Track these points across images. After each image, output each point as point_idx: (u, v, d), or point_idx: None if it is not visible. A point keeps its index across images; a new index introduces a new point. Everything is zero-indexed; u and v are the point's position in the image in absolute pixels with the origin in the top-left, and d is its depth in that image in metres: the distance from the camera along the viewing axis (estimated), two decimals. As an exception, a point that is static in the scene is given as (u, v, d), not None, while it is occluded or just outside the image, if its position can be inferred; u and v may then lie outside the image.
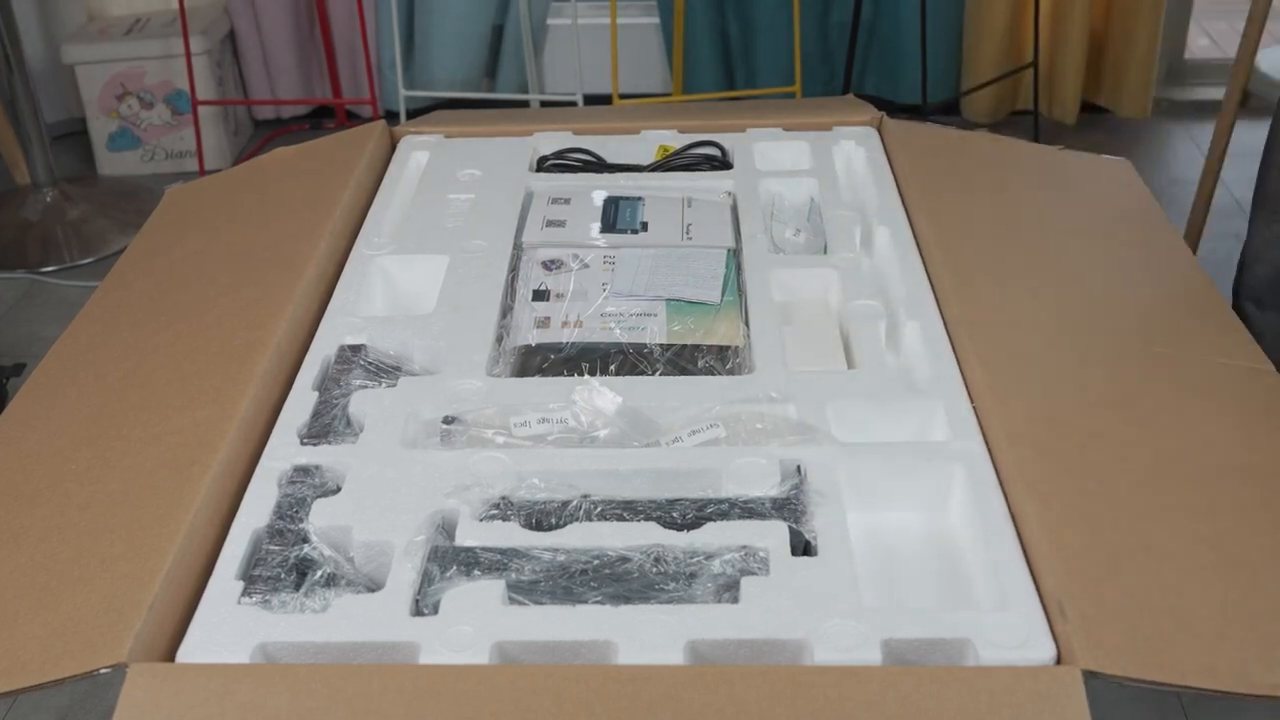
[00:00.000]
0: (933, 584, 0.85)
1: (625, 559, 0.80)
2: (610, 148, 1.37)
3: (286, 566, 0.81)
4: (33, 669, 0.74)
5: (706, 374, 1.00)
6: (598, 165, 1.35)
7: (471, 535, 0.83)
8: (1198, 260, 1.18)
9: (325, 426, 0.94)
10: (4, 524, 0.86)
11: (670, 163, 1.34)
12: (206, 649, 0.75)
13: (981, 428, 0.91)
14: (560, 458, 0.89)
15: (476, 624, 0.75)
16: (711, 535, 0.82)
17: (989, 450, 0.89)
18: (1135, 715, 1.51)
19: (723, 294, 1.09)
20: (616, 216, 1.22)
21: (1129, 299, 1.11)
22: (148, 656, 0.74)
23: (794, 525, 0.82)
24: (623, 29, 2.81)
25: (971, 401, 0.94)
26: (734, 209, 1.25)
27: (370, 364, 1.01)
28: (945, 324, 1.04)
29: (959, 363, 0.98)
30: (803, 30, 2.78)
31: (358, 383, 0.99)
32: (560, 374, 1.01)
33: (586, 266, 1.14)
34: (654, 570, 0.79)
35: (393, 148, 1.40)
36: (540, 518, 0.85)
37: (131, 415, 0.96)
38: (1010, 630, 0.74)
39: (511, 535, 0.83)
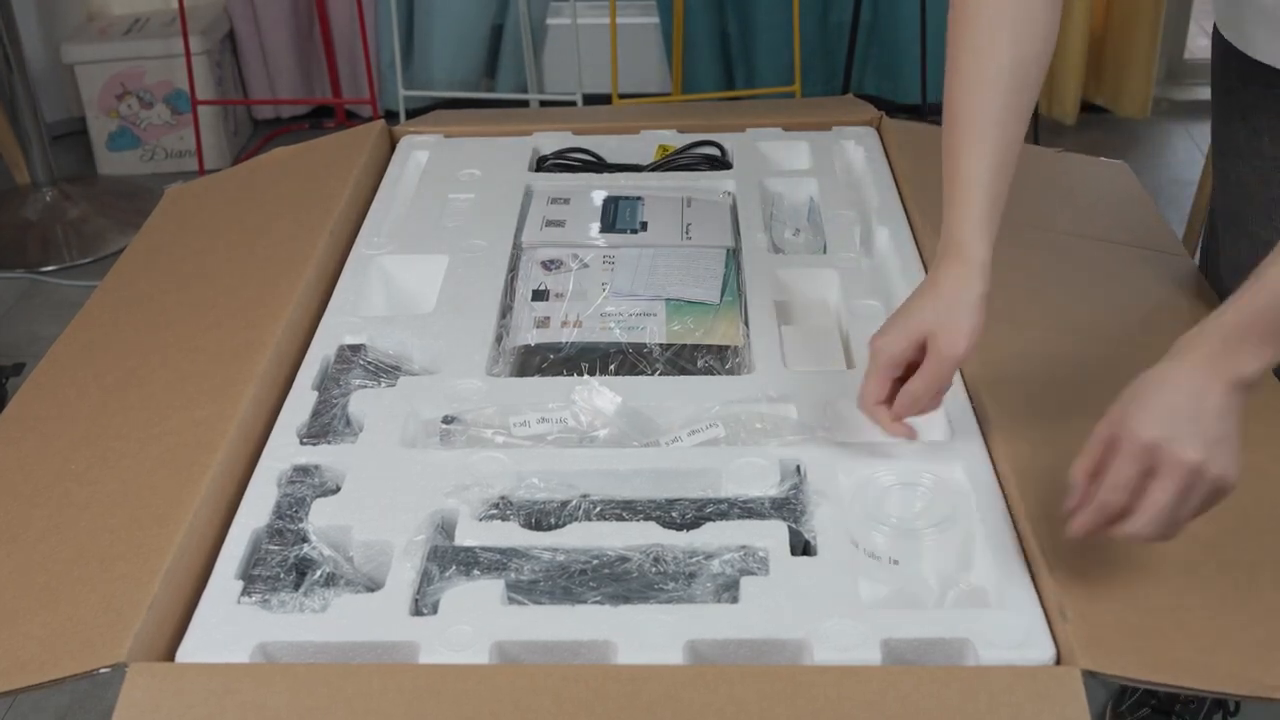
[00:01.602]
0: (932, 584, 0.85)
1: (625, 559, 0.80)
2: (610, 147, 1.37)
3: (286, 566, 0.81)
4: (32, 669, 0.74)
5: (706, 374, 1.00)
6: (597, 165, 1.35)
7: (471, 535, 0.83)
8: (1194, 262, 1.18)
9: (325, 426, 0.94)
10: (4, 524, 0.86)
11: (670, 162, 1.34)
12: (206, 648, 0.75)
13: (981, 427, 0.91)
14: (560, 458, 0.89)
15: (476, 624, 0.75)
16: (711, 535, 0.82)
17: (989, 450, 0.89)
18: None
19: (722, 294, 1.09)
20: (616, 216, 1.22)
21: (1128, 300, 1.11)
22: (147, 656, 0.74)
23: (793, 525, 0.82)
24: (622, 29, 2.80)
25: (971, 401, 0.94)
26: (733, 209, 1.25)
27: (370, 364, 1.01)
28: (945, 324, 1.03)
29: (958, 362, 0.98)
30: (802, 30, 2.78)
31: (357, 382, 0.99)
32: (560, 374, 1.01)
33: (586, 266, 1.14)
34: (653, 570, 0.79)
35: (392, 147, 1.40)
36: (540, 517, 0.85)
37: (131, 415, 0.96)
38: (1010, 630, 0.74)
39: (511, 535, 0.83)
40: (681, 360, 1.02)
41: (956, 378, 0.97)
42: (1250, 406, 0.95)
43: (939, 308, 0.82)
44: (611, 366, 1.01)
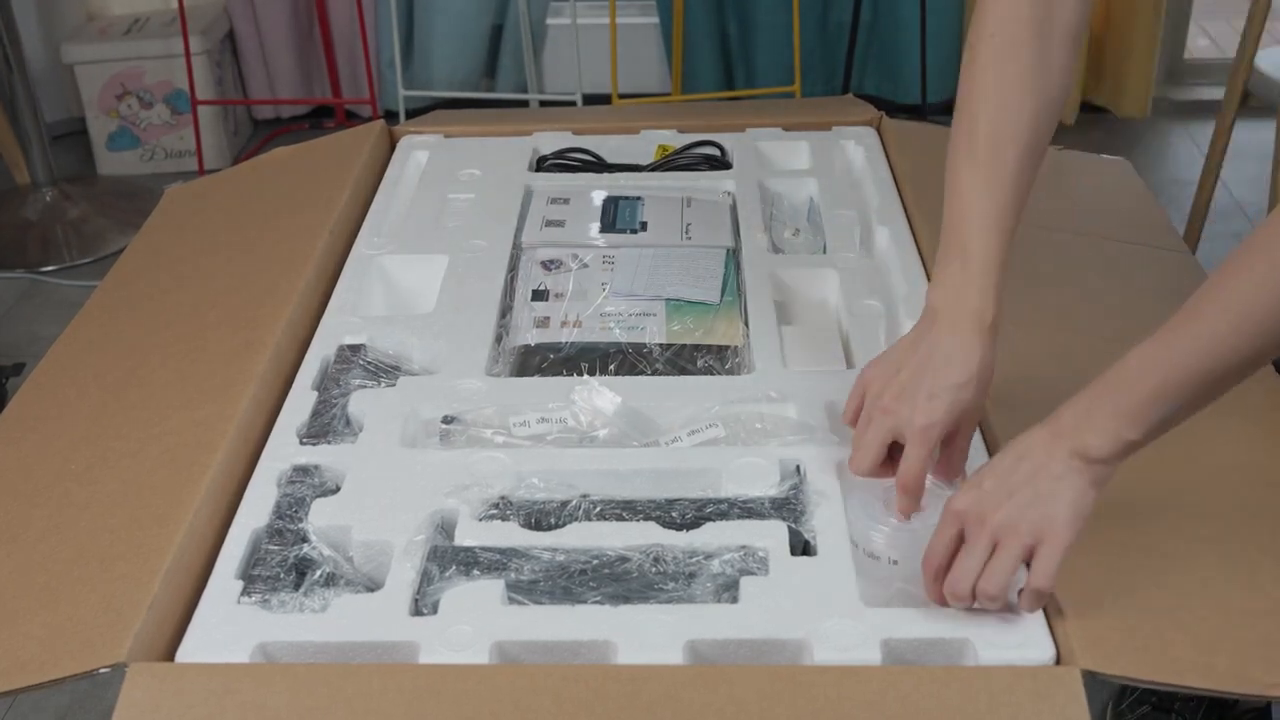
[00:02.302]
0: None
1: (625, 559, 0.80)
2: (610, 147, 1.37)
3: (286, 566, 0.81)
4: (32, 669, 0.74)
5: (706, 374, 1.00)
6: (597, 165, 1.35)
7: (471, 535, 0.83)
8: (1197, 260, 1.18)
9: (324, 426, 0.94)
10: (4, 524, 0.86)
11: (670, 162, 1.34)
12: (206, 648, 0.75)
13: (981, 428, 0.91)
14: (559, 457, 0.89)
15: (476, 623, 0.75)
16: (711, 535, 0.82)
17: (988, 450, 0.89)
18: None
19: (722, 294, 1.09)
20: (616, 216, 1.22)
21: (1128, 299, 1.11)
22: (147, 656, 0.74)
23: (793, 525, 0.82)
24: (622, 29, 2.80)
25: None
26: (733, 209, 1.25)
27: (370, 364, 1.01)
28: (945, 324, 1.03)
29: (958, 362, 0.98)
30: (802, 30, 2.78)
31: (357, 382, 0.99)
32: (560, 374, 1.01)
33: (586, 266, 1.14)
34: (653, 570, 0.79)
35: (392, 147, 1.40)
36: (539, 517, 0.85)
37: (131, 415, 0.96)
38: (1010, 630, 0.74)
39: (511, 535, 0.83)
40: (681, 360, 1.02)
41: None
42: (1250, 404, 0.95)
43: (955, 392, 0.78)
44: (611, 366, 1.01)
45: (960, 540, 0.73)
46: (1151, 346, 0.70)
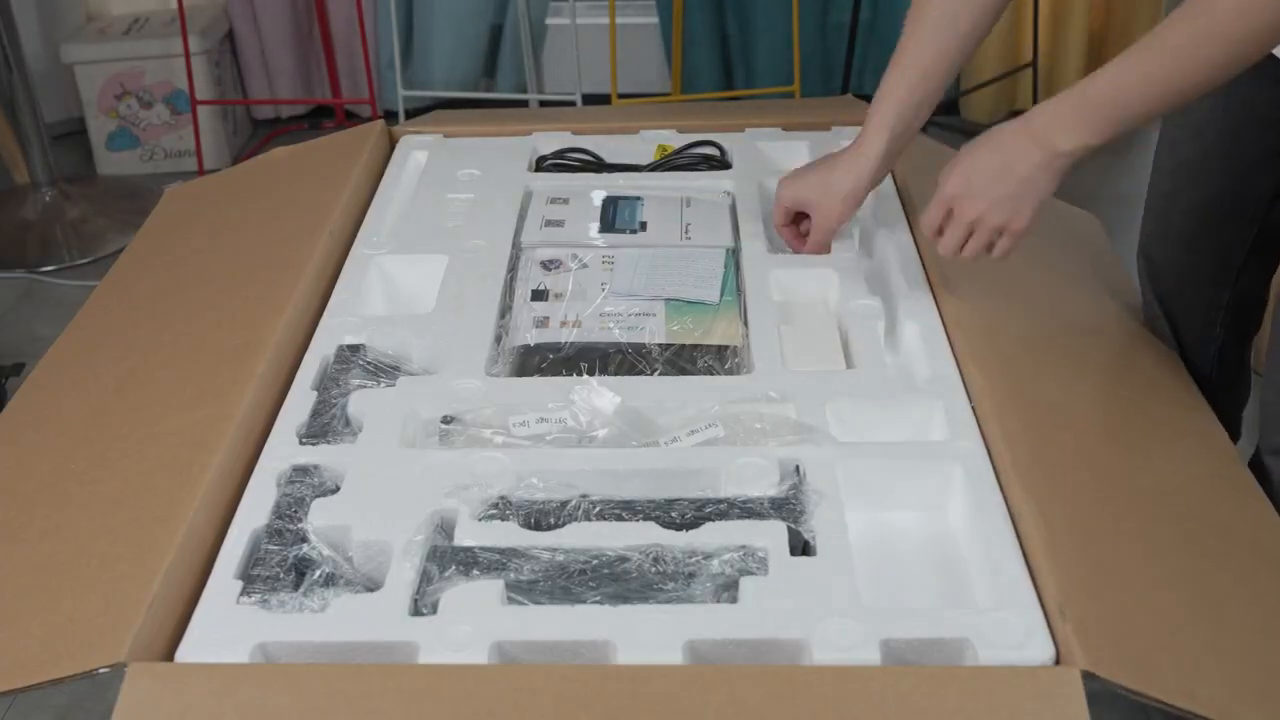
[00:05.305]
0: (932, 584, 0.85)
1: (624, 559, 0.80)
2: (609, 147, 1.37)
3: (285, 566, 0.81)
4: (32, 668, 0.74)
5: (705, 374, 1.00)
6: (596, 165, 1.35)
7: (470, 535, 0.83)
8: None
9: (324, 426, 0.94)
10: (4, 524, 0.86)
11: (669, 162, 1.34)
12: (205, 648, 0.76)
13: (981, 428, 0.91)
14: (559, 458, 0.89)
15: (475, 623, 0.75)
16: (710, 535, 0.82)
17: (988, 450, 0.89)
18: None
19: (721, 294, 1.09)
20: (615, 216, 1.22)
21: (1129, 298, 1.11)
22: (147, 656, 0.74)
23: (793, 525, 0.82)
24: (622, 29, 2.80)
25: (971, 401, 0.94)
26: (733, 209, 1.25)
27: (369, 364, 1.01)
28: (944, 324, 1.04)
29: (958, 363, 0.98)
30: (802, 30, 2.78)
31: (356, 382, 0.99)
32: (559, 374, 1.01)
33: (585, 266, 1.14)
34: (653, 570, 0.79)
35: (391, 147, 1.40)
36: (539, 517, 0.85)
37: (131, 415, 0.96)
38: (1010, 630, 0.74)
39: (510, 535, 0.83)
40: (681, 360, 1.02)
41: (957, 379, 0.97)
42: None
43: (824, 187, 1.08)
44: (611, 367, 1.01)
45: (949, 213, 0.95)
46: (1119, 68, 0.85)
